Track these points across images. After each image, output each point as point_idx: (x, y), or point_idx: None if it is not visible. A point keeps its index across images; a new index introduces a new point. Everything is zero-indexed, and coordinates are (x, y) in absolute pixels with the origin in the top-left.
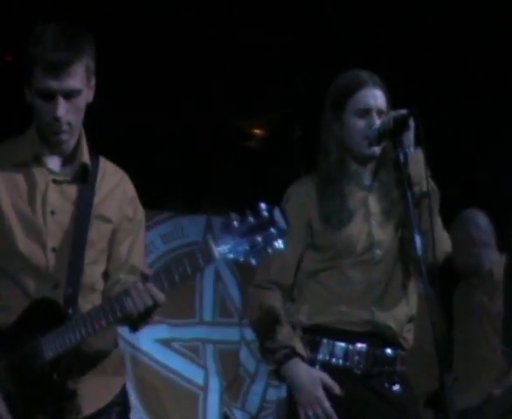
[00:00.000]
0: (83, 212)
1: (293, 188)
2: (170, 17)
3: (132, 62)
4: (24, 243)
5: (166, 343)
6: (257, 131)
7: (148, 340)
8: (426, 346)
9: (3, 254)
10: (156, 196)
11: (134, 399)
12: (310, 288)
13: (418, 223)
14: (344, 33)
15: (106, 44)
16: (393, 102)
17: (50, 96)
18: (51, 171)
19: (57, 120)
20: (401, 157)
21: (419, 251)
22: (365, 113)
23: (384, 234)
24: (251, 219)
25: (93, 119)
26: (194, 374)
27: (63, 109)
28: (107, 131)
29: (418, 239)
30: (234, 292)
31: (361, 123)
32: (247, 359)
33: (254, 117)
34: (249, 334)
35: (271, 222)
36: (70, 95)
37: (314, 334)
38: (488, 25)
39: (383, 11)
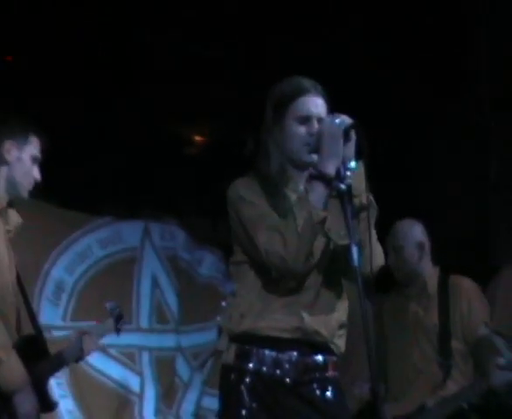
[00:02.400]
0: None
1: (237, 182)
2: (118, 25)
3: (75, 65)
4: None
5: (102, 349)
6: (198, 138)
7: None
8: (359, 354)
9: None
10: (94, 201)
11: (71, 405)
12: (243, 292)
13: (355, 235)
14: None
15: (55, 41)
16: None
17: None
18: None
19: None
20: (341, 169)
21: (355, 262)
22: (306, 119)
23: (316, 241)
24: None
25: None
26: (130, 380)
27: None
28: (50, 138)
29: (354, 250)
30: (171, 299)
31: (301, 129)
32: (182, 367)
33: (195, 124)
34: (185, 342)
35: None
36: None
37: (244, 343)
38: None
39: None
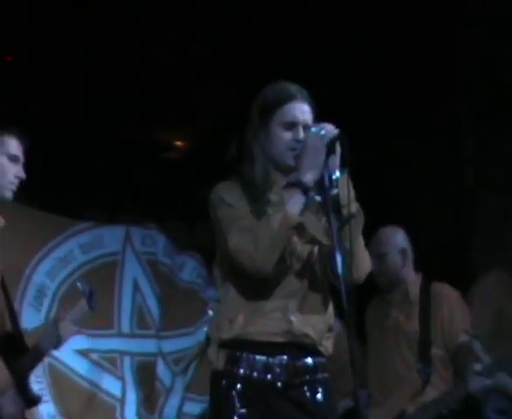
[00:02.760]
0: None
1: (220, 185)
2: (98, 33)
3: (54, 72)
4: None
5: (84, 354)
6: (177, 143)
7: (65, 350)
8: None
9: None
10: (76, 206)
11: (53, 410)
12: (229, 298)
13: (340, 243)
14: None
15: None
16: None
17: None
18: None
19: None
20: (325, 179)
21: (339, 270)
22: (292, 125)
23: (301, 244)
24: None
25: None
26: (112, 385)
27: None
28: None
29: (338, 258)
30: (152, 304)
31: (287, 135)
32: (163, 372)
33: (174, 128)
34: (166, 347)
35: None
36: None
37: (234, 349)
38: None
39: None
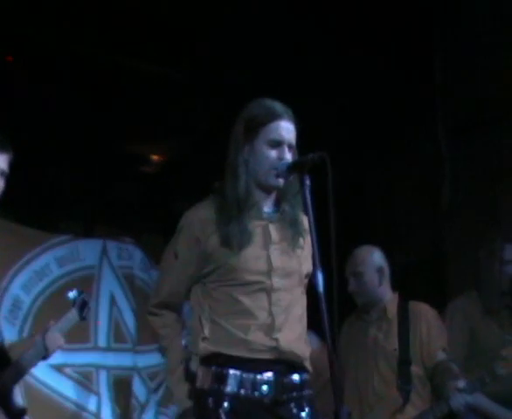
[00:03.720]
0: None
1: (188, 214)
2: (75, 47)
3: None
4: None
5: (58, 368)
6: (153, 156)
7: (40, 364)
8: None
9: None
10: (52, 218)
11: None
12: (210, 319)
13: (320, 261)
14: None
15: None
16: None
17: None
18: None
19: None
20: (307, 197)
21: (320, 288)
22: (277, 144)
23: (283, 262)
24: None
25: None
26: (87, 400)
27: None
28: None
29: (319, 275)
30: (129, 318)
31: (272, 153)
32: (139, 387)
33: (150, 142)
34: (141, 362)
35: None
36: None
37: (220, 366)
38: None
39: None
